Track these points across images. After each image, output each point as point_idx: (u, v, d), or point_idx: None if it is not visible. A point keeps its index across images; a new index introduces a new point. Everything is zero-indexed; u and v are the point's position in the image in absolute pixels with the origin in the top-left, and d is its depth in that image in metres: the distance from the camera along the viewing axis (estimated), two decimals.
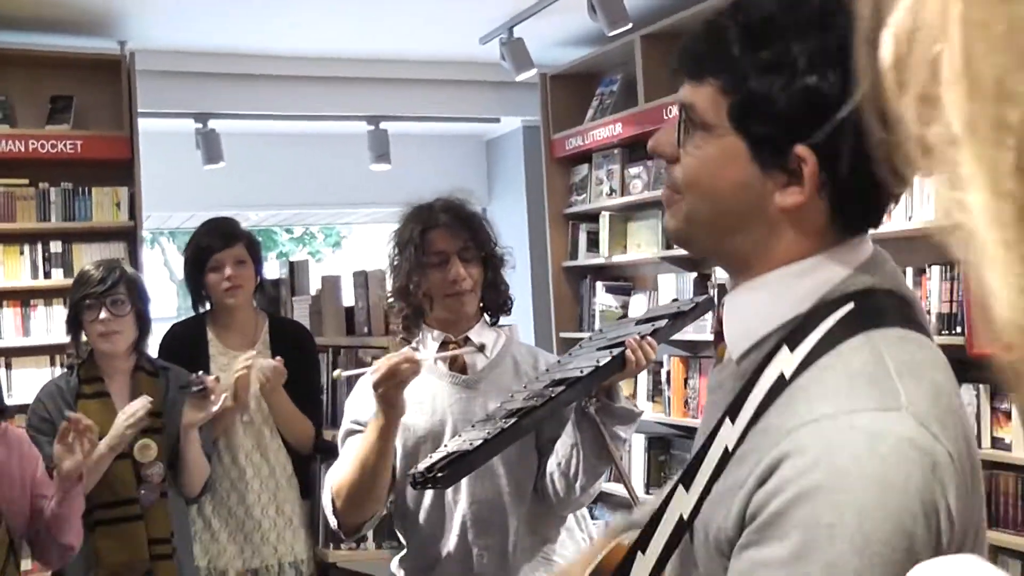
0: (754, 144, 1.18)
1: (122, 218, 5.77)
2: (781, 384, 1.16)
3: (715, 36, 1.22)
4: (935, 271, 4.32)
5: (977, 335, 4.06)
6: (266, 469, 3.84)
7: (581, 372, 2.38)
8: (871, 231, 1.24)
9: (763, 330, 1.23)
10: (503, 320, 2.87)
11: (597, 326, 6.48)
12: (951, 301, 4.27)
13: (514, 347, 2.82)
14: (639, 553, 1.28)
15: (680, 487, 1.27)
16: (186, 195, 7.34)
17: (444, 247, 2.65)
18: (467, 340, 2.72)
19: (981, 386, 4.17)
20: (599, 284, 6.61)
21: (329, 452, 3.27)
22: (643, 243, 6.16)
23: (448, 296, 2.66)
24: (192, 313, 4.10)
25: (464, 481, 2.56)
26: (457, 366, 2.72)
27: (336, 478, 2.55)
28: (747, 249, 1.25)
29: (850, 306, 1.17)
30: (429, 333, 2.73)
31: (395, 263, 2.74)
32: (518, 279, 8.94)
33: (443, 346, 2.70)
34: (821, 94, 1.12)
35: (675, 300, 3.02)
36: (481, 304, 2.77)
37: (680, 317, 2.67)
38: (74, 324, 3.46)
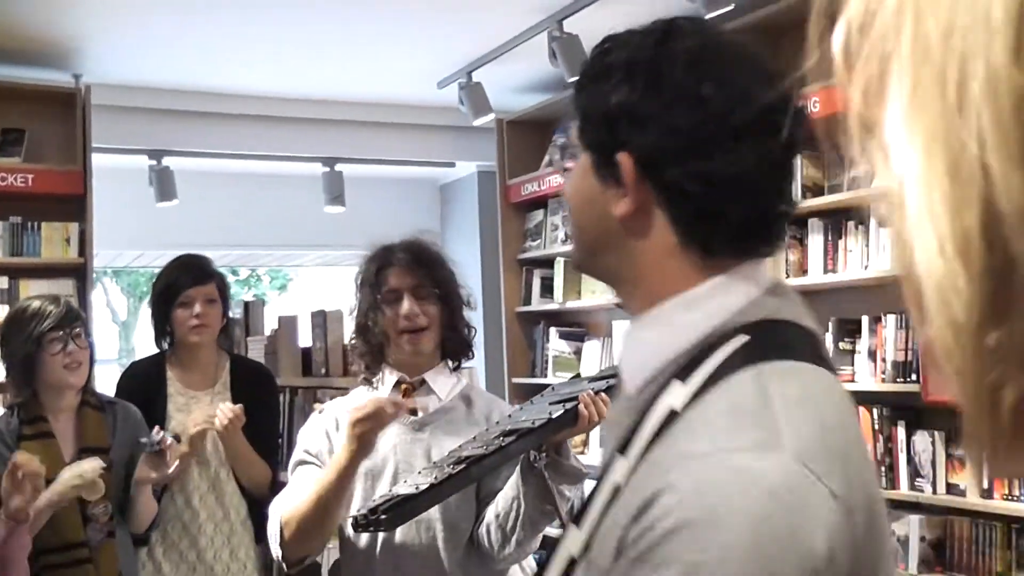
0: (592, 155, 1.22)
1: (72, 254, 5.67)
2: (671, 418, 1.14)
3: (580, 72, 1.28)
4: (891, 319, 4.37)
5: (932, 382, 4.11)
6: (220, 512, 3.76)
7: (533, 424, 2.35)
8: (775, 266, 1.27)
9: (657, 363, 1.20)
10: (464, 364, 2.84)
11: (550, 371, 6.49)
12: (906, 349, 4.32)
13: (472, 394, 2.77)
14: None
15: (572, 525, 1.23)
16: (137, 233, 7.25)
17: (397, 284, 2.63)
18: (423, 382, 2.68)
19: (936, 432, 4.23)
20: (553, 330, 6.62)
21: None
22: (597, 289, 6.17)
23: (402, 333, 2.63)
24: (131, 355, 4.04)
25: None
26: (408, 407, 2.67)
27: (287, 508, 2.50)
28: (615, 267, 1.25)
29: (744, 338, 1.15)
30: (388, 373, 2.70)
31: (355, 302, 2.72)
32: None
33: (396, 385, 2.67)
34: (626, 104, 1.17)
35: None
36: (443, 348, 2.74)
37: None
38: (28, 362, 3.33)
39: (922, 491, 4.26)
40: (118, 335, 19.37)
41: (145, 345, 4.02)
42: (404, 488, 2.27)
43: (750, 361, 1.12)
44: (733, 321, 1.17)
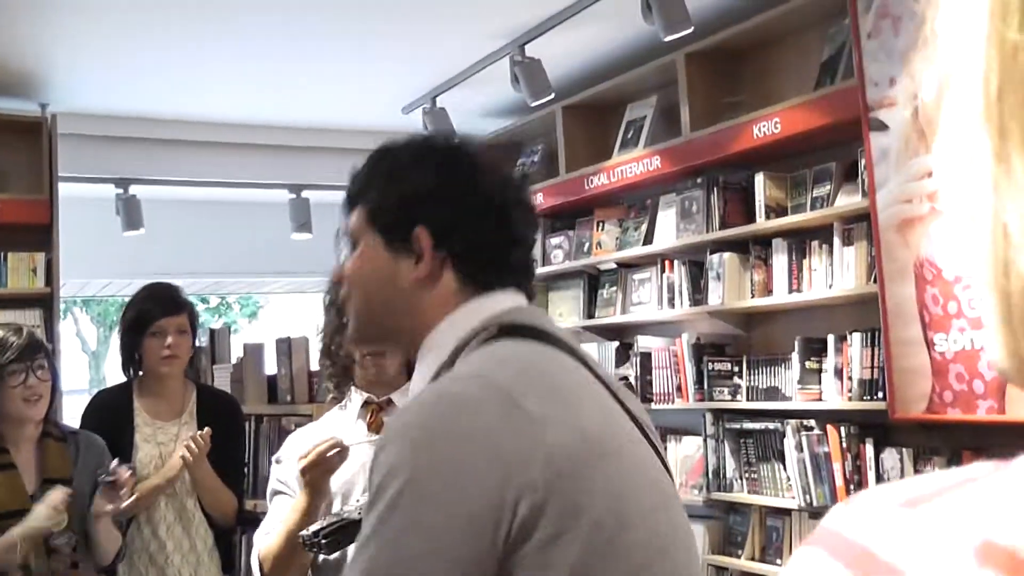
0: (384, 235, 1.54)
1: (38, 284, 5.59)
2: None
3: (355, 178, 1.61)
4: (856, 338, 4.36)
5: (898, 400, 4.12)
6: (187, 543, 3.74)
7: None
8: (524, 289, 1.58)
9: (432, 372, 1.49)
10: None
11: None
12: (872, 367, 4.31)
13: None
14: None
15: None
16: (104, 262, 7.22)
17: None
18: (389, 402, 2.70)
19: (904, 449, 4.20)
20: None
21: (252, 525, 3.20)
22: (564, 312, 6.18)
23: (366, 356, 2.66)
24: (102, 385, 4.01)
25: None
26: (375, 426, 2.69)
27: (263, 545, 2.55)
28: (400, 321, 1.55)
29: (493, 331, 1.45)
30: (356, 394, 2.72)
31: (322, 324, 2.74)
32: None
33: (364, 406, 2.70)
34: (420, 192, 1.51)
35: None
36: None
37: None
38: None
39: None
40: (88, 365, 19.23)
41: (115, 375, 3.99)
42: (349, 511, 2.28)
43: (490, 341, 1.44)
44: (492, 322, 1.47)
